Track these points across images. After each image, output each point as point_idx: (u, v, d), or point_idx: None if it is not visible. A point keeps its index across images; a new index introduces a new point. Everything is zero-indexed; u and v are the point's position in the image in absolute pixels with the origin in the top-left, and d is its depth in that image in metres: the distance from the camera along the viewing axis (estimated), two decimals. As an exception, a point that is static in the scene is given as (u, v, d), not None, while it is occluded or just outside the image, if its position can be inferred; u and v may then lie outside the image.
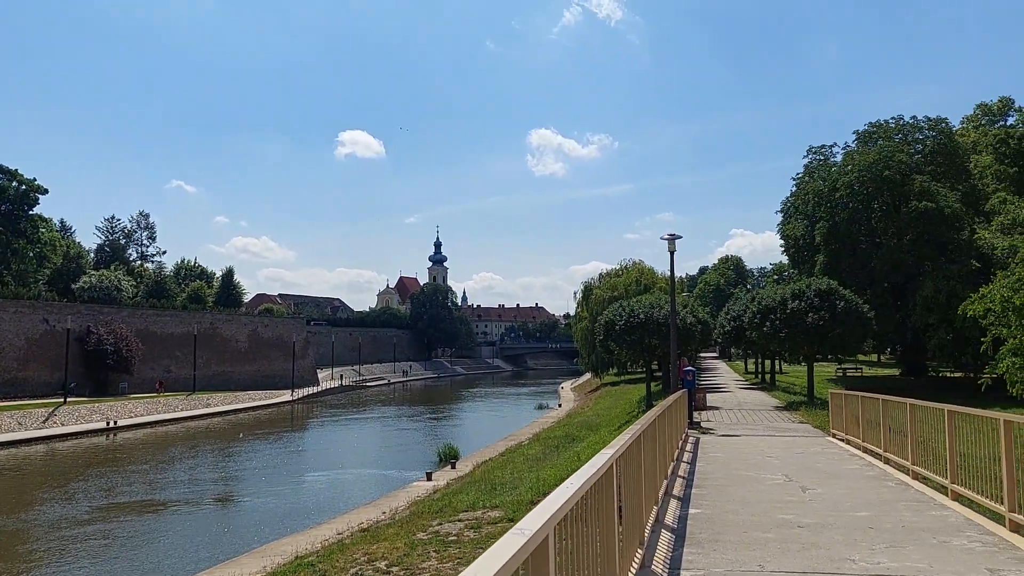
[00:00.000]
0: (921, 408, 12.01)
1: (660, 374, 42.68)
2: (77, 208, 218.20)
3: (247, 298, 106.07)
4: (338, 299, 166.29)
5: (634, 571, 6.55)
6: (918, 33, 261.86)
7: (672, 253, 26.30)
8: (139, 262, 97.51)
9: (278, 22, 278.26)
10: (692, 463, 14.72)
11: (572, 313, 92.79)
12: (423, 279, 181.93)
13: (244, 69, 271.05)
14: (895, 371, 58.90)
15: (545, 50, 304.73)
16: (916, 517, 9.38)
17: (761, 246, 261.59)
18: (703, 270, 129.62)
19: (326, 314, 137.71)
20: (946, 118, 53.38)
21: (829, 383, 42.96)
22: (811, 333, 32.18)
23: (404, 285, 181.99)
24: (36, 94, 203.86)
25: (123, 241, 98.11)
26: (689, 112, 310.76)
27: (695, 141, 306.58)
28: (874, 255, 47.95)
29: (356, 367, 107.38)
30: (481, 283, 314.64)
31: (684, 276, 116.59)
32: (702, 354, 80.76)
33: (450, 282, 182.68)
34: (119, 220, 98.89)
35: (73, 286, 70.62)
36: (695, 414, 23.36)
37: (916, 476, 12.00)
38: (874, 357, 79.27)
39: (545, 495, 4.13)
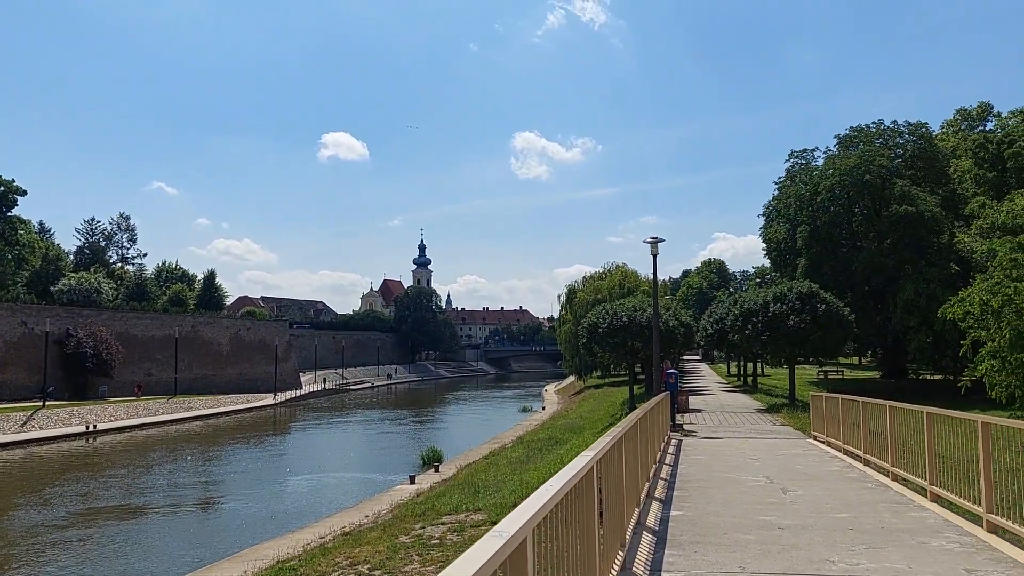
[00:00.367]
0: (900, 410, 12.11)
1: (643, 377, 42.80)
2: (56, 210, 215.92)
3: (229, 301, 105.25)
4: (321, 302, 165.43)
5: (615, 573, 6.55)
6: (896, 39, 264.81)
7: (655, 256, 26.40)
8: (119, 264, 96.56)
9: (260, 23, 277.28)
10: (674, 465, 14.76)
11: (556, 316, 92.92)
12: (407, 282, 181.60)
13: (225, 70, 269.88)
14: (876, 374, 59.39)
15: (529, 53, 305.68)
16: (895, 518, 9.44)
17: (744, 249, 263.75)
18: (686, 273, 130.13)
19: (309, 317, 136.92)
20: (926, 123, 54.09)
21: (811, 386, 43.27)
22: (792, 336, 32.39)
23: (388, 288, 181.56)
24: (14, 94, 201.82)
25: (103, 243, 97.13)
26: (672, 116, 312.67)
27: (678, 145, 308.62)
28: (855, 258, 48.34)
29: (339, 370, 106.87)
30: (465, 286, 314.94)
31: (667, 279, 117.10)
32: (685, 357, 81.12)
33: (434, 285, 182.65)
34: (99, 222, 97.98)
35: (52, 289, 69.79)
36: (677, 416, 23.43)
37: (896, 478, 12.09)
38: (855, 360, 79.90)
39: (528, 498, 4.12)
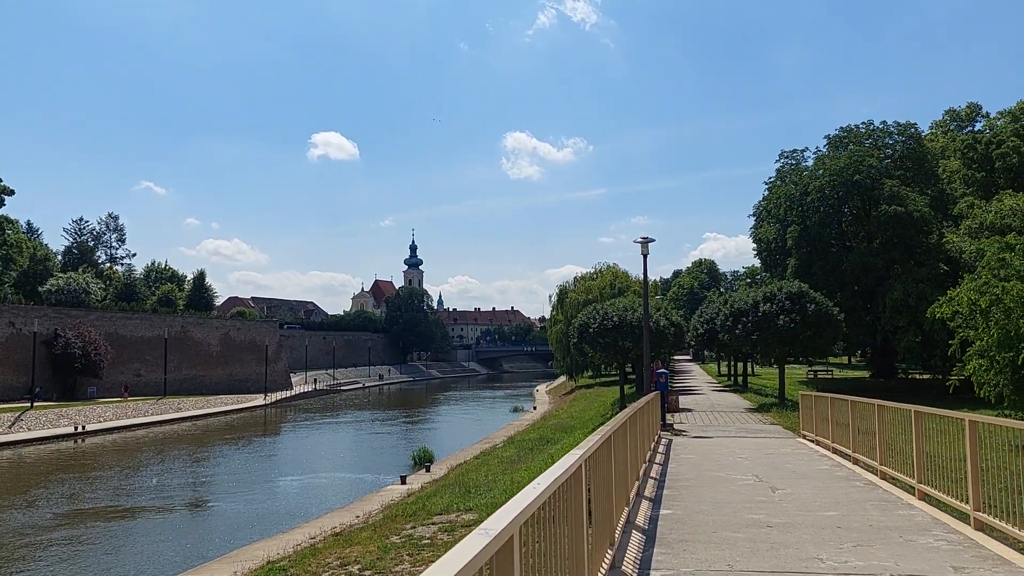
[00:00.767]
0: (889, 409, 12.17)
1: (634, 376, 42.87)
2: (44, 210, 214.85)
3: (219, 301, 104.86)
4: (312, 302, 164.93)
5: (604, 571, 6.56)
6: (886, 41, 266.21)
7: (645, 256, 26.43)
8: (108, 264, 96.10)
9: (249, 22, 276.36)
10: (664, 464, 14.79)
11: (547, 316, 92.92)
12: (398, 282, 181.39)
13: (214, 69, 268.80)
14: (865, 373, 59.67)
15: (520, 53, 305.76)
16: (883, 516, 9.49)
17: (734, 250, 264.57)
18: (677, 273, 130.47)
19: (300, 318, 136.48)
20: (915, 123, 54.36)
21: (800, 385, 43.43)
22: (782, 336, 32.49)
23: (379, 288, 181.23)
24: (1, 93, 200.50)
25: (91, 243, 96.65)
26: (663, 116, 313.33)
27: (669, 145, 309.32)
28: (845, 258, 48.55)
29: (330, 371, 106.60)
30: (457, 286, 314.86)
31: (658, 279, 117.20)
32: (675, 357, 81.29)
33: (426, 285, 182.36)
34: (87, 222, 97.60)
35: (40, 289, 69.37)
36: (668, 416, 23.49)
37: (884, 476, 12.15)
38: (845, 359, 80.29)
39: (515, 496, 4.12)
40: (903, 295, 42.87)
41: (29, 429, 42.75)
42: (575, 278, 71.06)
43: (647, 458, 13.98)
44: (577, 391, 61.68)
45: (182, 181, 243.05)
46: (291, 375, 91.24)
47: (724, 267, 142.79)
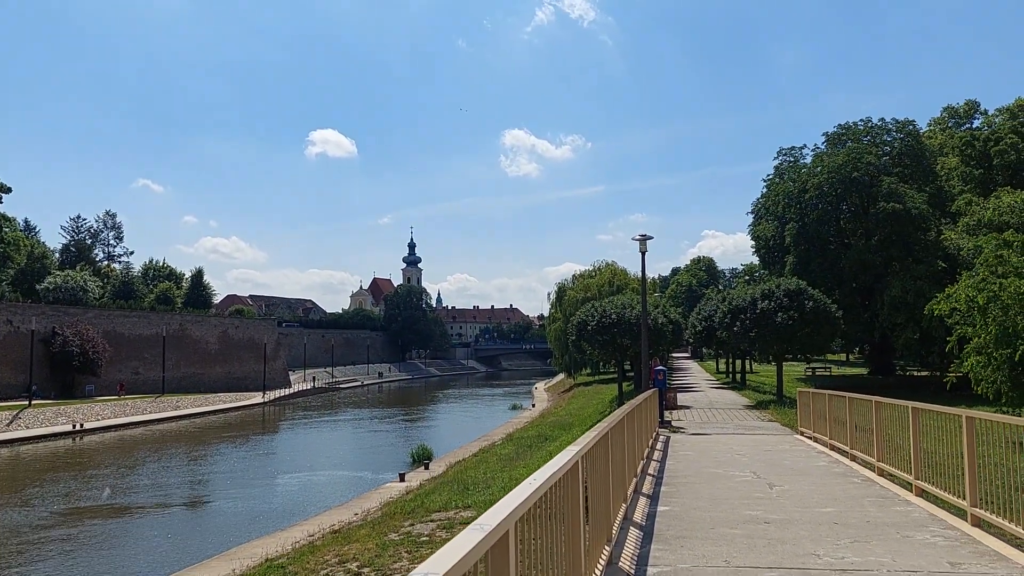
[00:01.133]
0: (886, 406, 12.18)
1: (632, 374, 42.89)
2: (41, 207, 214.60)
3: (217, 299, 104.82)
4: (310, 300, 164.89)
5: (601, 567, 6.56)
6: (884, 38, 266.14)
7: (643, 254, 26.44)
8: (106, 262, 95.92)
9: (246, 19, 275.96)
10: (662, 461, 14.80)
11: (546, 314, 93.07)
12: (397, 280, 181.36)
13: (211, 66, 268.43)
14: (863, 370, 59.75)
15: (517, 50, 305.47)
16: (881, 512, 9.50)
17: (733, 247, 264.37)
18: (675, 271, 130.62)
19: (298, 316, 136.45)
20: (914, 120, 54.43)
21: (798, 382, 43.49)
22: (780, 333, 32.52)
23: (378, 286, 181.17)
24: None
25: (89, 241, 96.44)
26: (662, 114, 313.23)
27: (668, 142, 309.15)
28: (843, 255, 48.59)
29: (329, 369, 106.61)
30: (456, 284, 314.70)
31: (656, 277, 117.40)
32: (674, 354, 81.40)
33: (424, 283, 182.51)
34: (85, 220, 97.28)
35: (38, 287, 69.30)
36: (666, 413, 23.52)
37: (881, 472, 12.17)
38: (843, 356, 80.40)
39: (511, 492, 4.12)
40: (901, 292, 42.92)
41: (27, 427, 42.72)
42: (574, 276, 71.24)
43: (645, 455, 13.99)
44: (576, 388, 61.73)
45: (180, 179, 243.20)
46: (290, 373, 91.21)
47: (723, 264, 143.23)
